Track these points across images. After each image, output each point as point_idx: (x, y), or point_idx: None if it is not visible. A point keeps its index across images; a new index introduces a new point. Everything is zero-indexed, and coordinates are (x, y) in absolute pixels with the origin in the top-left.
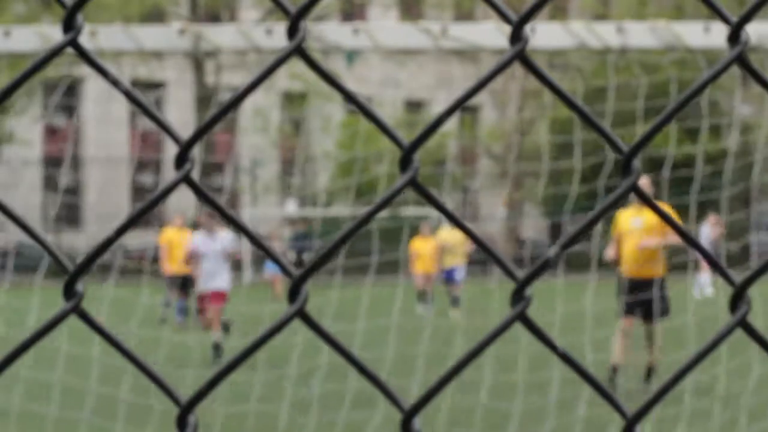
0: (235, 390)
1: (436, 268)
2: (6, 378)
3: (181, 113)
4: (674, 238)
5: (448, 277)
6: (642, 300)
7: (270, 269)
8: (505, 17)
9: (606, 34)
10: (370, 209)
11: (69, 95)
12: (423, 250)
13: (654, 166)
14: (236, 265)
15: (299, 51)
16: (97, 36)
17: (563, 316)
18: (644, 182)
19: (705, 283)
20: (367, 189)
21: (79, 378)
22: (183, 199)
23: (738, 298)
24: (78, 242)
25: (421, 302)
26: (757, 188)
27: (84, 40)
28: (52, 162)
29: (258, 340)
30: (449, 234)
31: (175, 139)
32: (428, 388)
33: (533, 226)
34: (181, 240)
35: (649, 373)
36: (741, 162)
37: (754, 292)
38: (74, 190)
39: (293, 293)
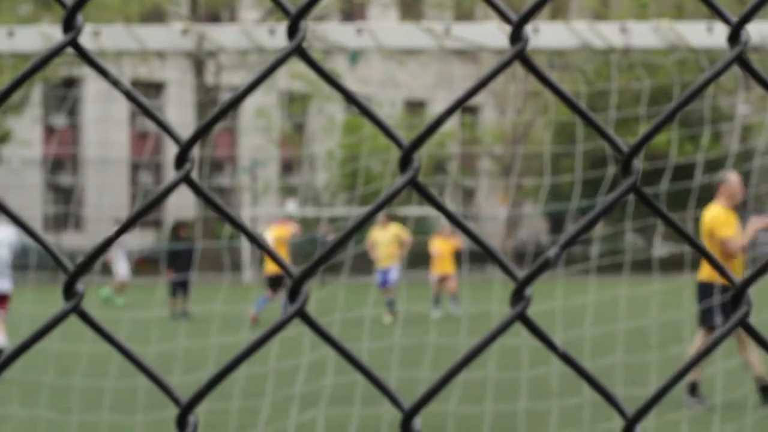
0: (246, 386)
1: (453, 269)
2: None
3: (181, 113)
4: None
5: (383, 279)
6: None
7: None
8: (505, 17)
9: (609, 33)
10: (370, 209)
11: (68, 96)
12: (442, 251)
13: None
14: (236, 266)
15: (299, 51)
16: (100, 36)
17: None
18: (736, 180)
19: None
20: (369, 189)
21: (68, 377)
22: (183, 199)
23: (738, 298)
24: (78, 242)
25: (434, 306)
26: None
27: (87, 40)
28: (51, 162)
29: (258, 340)
30: (380, 233)
31: (175, 139)
32: (428, 388)
33: (533, 226)
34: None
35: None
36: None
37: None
38: (74, 191)
39: (293, 293)
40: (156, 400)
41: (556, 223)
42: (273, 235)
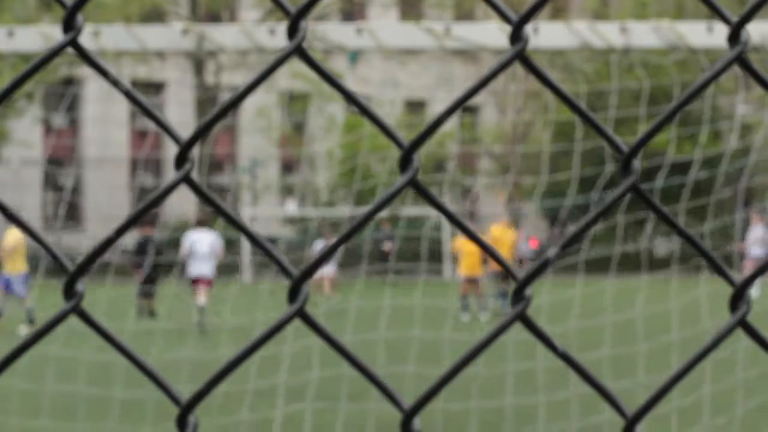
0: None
1: (483, 270)
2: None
3: (181, 113)
4: None
5: (7, 286)
6: None
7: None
8: (505, 17)
9: (609, 33)
10: (370, 209)
11: (67, 92)
12: (469, 250)
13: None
14: (235, 266)
15: (299, 51)
16: (100, 36)
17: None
18: None
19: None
20: (369, 190)
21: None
22: (183, 199)
23: (738, 298)
24: (78, 242)
25: (464, 309)
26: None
27: (87, 40)
28: (52, 162)
29: (258, 340)
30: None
31: (175, 139)
32: (427, 388)
33: (533, 226)
34: (508, 238)
35: None
36: (739, 164)
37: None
38: (74, 191)
39: (293, 293)
40: (162, 410)
41: (555, 223)
42: (495, 236)
